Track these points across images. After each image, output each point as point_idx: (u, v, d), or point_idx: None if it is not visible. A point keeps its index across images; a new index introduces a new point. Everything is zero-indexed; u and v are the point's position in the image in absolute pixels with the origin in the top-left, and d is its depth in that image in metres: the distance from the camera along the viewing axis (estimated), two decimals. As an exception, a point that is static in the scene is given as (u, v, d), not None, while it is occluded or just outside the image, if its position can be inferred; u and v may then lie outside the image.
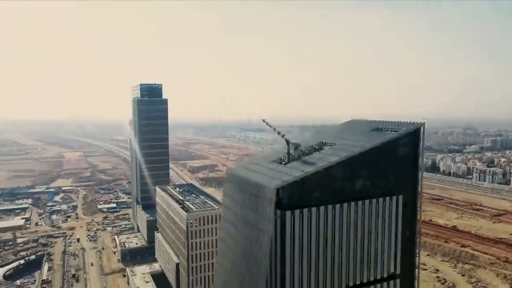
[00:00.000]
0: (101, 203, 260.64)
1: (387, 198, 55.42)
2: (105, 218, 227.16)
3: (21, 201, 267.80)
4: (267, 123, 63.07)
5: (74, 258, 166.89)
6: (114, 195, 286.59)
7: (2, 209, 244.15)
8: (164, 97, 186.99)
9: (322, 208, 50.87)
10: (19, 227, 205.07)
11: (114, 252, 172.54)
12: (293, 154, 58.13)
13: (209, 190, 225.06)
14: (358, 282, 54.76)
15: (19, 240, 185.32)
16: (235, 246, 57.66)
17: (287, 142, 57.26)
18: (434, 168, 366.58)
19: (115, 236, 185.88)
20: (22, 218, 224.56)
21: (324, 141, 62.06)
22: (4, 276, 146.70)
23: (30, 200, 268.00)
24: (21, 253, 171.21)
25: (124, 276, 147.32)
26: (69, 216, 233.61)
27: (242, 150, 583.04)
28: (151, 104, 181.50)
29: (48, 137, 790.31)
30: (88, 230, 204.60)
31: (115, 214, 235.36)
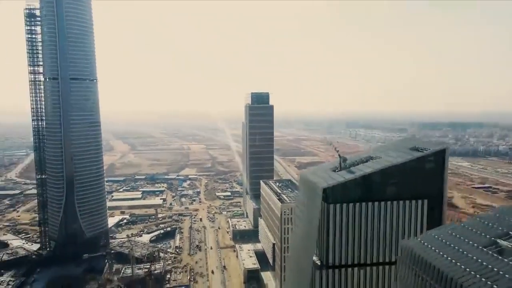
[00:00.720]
0: (218, 191, 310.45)
1: (413, 201, 74.87)
2: (221, 204, 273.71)
3: (159, 185, 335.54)
4: (335, 148, 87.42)
5: (198, 233, 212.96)
6: (229, 184, 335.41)
7: (146, 190, 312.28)
8: (270, 103, 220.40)
9: (357, 204, 73.75)
10: (159, 205, 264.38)
11: (227, 232, 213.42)
12: (345, 164, 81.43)
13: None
14: (387, 260, 75.90)
15: (159, 215, 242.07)
16: (300, 227, 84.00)
17: (340, 156, 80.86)
18: None
19: (229, 219, 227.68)
20: (161, 199, 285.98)
21: (372, 156, 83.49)
22: (150, 240, 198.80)
23: (165, 185, 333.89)
24: (161, 225, 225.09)
25: (234, 251, 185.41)
26: (194, 200, 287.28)
27: (351, 147, 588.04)
28: (259, 109, 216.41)
29: (179, 131, 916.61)
30: (208, 213, 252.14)
31: (229, 201, 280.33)
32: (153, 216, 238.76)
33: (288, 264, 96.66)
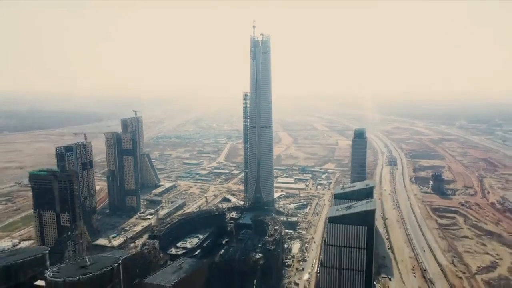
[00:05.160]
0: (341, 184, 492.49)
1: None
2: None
3: (306, 175, 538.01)
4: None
5: (319, 207, 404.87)
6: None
7: (297, 178, 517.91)
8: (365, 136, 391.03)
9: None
10: (302, 189, 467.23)
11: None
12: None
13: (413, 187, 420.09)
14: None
15: (301, 195, 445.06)
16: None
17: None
18: None
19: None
20: (305, 185, 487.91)
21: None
22: (294, 207, 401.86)
23: (310, 175, 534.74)
24: (301, 200, 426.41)
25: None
26: (325, 188, 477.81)
27: (485, 154, 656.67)
28: (358, 142, 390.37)
29: (338, 123, 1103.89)
30: (330, 196, 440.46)
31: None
32: (298, 195, 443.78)
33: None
